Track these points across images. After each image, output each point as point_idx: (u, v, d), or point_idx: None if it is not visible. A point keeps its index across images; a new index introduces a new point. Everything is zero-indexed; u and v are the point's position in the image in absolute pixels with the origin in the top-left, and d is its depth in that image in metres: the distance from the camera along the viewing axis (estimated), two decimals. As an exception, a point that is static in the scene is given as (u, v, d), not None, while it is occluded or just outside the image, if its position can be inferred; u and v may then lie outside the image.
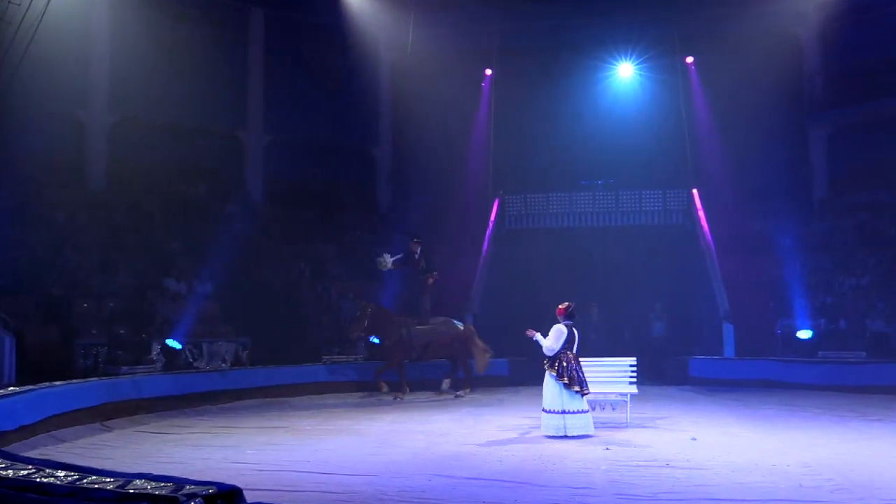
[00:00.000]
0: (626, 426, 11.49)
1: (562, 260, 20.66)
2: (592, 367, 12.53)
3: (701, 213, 21.01)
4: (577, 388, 10.65)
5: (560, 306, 11.00)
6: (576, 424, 10.57)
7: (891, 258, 19.52)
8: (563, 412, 10.57)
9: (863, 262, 19.97)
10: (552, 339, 10.77)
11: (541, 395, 10.94)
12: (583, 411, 10.71)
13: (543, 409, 10.79)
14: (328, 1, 23.26)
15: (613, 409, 12.00)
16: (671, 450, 9.50)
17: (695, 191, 21.54)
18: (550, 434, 10.56)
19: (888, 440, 10.15)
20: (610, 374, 12.27)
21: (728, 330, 18.38)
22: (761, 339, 18.49)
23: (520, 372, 17.80)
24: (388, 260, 16.38)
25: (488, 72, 24.16)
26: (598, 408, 11.99)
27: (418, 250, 16.62)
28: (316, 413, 13.71)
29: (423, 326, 16.35)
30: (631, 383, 12.09)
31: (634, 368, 12.20)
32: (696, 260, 20.57)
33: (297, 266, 20.99)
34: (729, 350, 18.29)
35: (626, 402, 11.87)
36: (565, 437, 10.45)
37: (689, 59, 23.48)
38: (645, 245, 21.10)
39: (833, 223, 21.84)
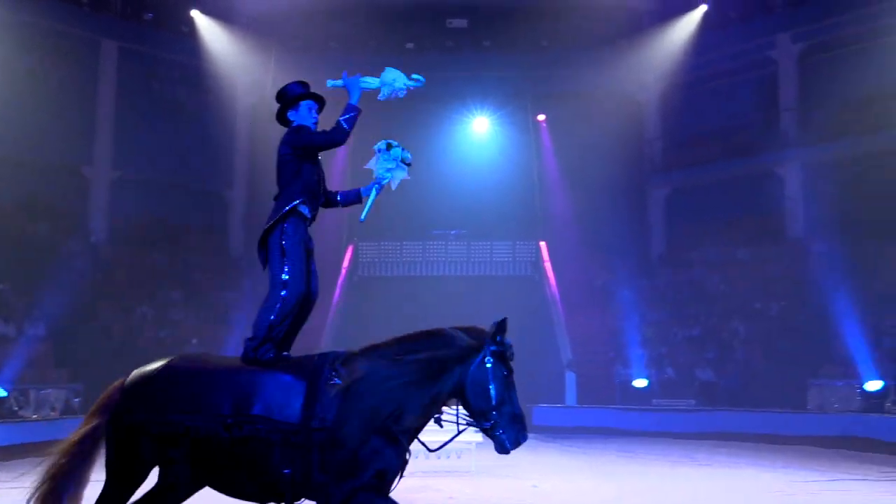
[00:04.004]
0: (471, 474, 11.61)
1: (413, 308, 20.69)
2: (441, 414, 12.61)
3: (548, 266, 21.69)
4: None
5: None
6: None
7: (719, 311, 20.78)
8: None
9: (695, 315, 21.15)
10: None
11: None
12: None
13: None
14: (186, 39, 22.82)
15: (458, 457, 12.10)
16: (513, 497, 9.67)
17: (543, 244, 22.22)
18: None
19: (718, 482, 10.89)
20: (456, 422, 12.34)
21: (570, 378, 18.98)
22: (601, 387, 19.19)
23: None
24: None
25: (342, 119, 24.16)
26: (443, 456, 12.06)
27: None
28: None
29: None
30: (476, 431, 12.19)
31: (480, 416, 12.31)
32: (542, 310, 21.15)
33: (139, 310, 20.12)
34: (571, 398, 18.87)
35: (470, 450, 12.00)
36: None
37: (541, 117, 24.41)
38: (494, 295, 21.53)
39: (670, 278, 23.04)
